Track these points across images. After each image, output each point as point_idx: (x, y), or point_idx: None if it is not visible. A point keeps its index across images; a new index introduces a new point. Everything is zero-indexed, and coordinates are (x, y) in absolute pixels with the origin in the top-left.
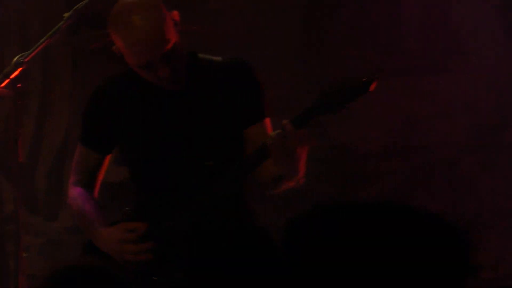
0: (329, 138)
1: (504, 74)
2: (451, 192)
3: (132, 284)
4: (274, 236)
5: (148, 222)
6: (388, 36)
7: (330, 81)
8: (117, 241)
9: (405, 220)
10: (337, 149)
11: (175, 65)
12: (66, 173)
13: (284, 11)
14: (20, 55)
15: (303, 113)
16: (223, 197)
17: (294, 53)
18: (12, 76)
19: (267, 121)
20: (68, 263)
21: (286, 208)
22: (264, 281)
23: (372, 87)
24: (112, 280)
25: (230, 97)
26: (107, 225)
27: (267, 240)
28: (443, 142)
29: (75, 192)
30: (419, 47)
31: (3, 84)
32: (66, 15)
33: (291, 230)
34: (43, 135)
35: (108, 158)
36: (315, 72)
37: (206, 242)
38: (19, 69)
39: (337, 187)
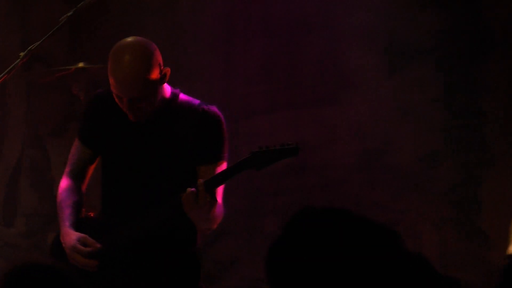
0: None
1: (385, 106)
2: (341, 205)
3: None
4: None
5: (101, 236)
6: (289, 74)
7: (261, 145)
8: (71, 246)
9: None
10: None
11: (140, 108)
12: (21, 186)
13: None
14: None
15: (218, 176)
16: (161, 224)
17: (217, 85)
18: None
19: (223, 164)
20: (21, 263)
21: None
22: None
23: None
24: (60, 278)
25: (191, 136)
26: (73, 227)
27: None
28: (335, 163)
29: (64, 183)
30: (315, 83)
31: None
32: (21, 54)
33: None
34: (2, 154)
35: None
36: (235, 104)
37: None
38: None
39: (248, 200)
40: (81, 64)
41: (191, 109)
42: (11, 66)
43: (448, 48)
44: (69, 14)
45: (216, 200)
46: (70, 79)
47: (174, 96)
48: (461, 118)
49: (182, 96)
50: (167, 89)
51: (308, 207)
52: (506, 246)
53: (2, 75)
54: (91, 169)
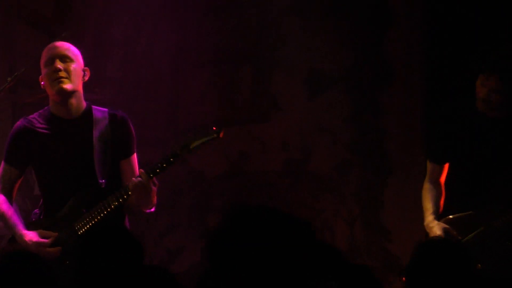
0: (189, 165)
1: (306, 124)
2: (271, 204)
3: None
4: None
5: (52, 226)
6: (228, 98)
7: (184, 131)
8: (34, 243)
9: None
10: (194, 173)
11: (67, 70)
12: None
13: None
14: None
15: (156, 165)
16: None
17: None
18: None
19: (134, 155)
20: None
21: (156, 219)
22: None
23: (222, 134)
24: (32, 260)
25: (116, 140)
26: (26, 228)
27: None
28: (265, 170)
29: (1, 198)
30: (250, 105)
31: None
32: (9, 79)
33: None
34: None
35: (22, 175)
36: (184, 120)
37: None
38: None
39: (193, 199)
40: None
41: (107, 116)
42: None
43: (357, 78)
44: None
45: (156, 184)
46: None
47: (89, 106)
48: (366, 134)
49: (94, 106)
50: (84, 101)
51: (239, 206)
52: (403, 238)
53: None
54: (18, 184)
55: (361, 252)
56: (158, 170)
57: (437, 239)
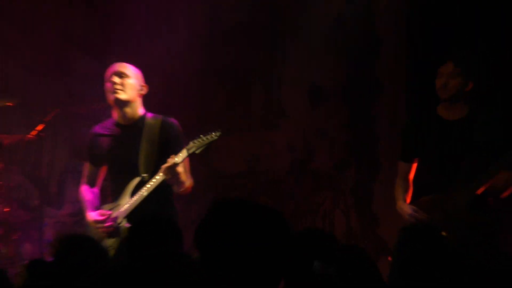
0: (213, 166)
1: (309, 129)
2: (278, 198)
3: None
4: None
5: (112, 209)
6: (244, 108)
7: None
8: (93, 220)
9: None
10: (217, 171)
11: (123, 84)
12: (67, 183)
13: None
14: None
15: (198, 143)
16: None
17: (195, 117)
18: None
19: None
20: (67, 234)
21: (190, 205)
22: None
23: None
24: (91, 241)
25: (164, 141)
26: (93, 210)
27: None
28: (275, 168)
29: (81, 187)
30: (262, 115)
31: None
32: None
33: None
34: (54, 162)
35: (103, 169)
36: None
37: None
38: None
39: (217, 192)
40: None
41: (159, 122)
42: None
43: (352, 91)
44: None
45: (183, 170)
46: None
47: (144, 114)
48: (359, 138)
49: (150, 114)
50: (139, 110)
51: (222, 198)
52: (390, 224)
53: (54, 109)
54: (100, 177)
55: (356, 236)
56: (178, 159)
57: (416, 224)
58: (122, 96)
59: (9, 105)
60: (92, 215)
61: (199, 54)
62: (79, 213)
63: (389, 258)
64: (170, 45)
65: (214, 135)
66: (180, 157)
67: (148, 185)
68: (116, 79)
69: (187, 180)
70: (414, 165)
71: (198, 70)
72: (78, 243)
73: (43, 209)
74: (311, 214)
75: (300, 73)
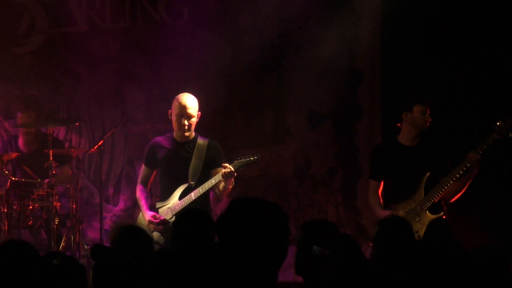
0: (260, 167)
1: (308, 145)
2: (285, 196)
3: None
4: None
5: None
6: (259, 128)
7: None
8: (149, 220)
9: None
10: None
11: (190, 124)
12: (122, 184)
13: None
14: None
15: (241, 161)
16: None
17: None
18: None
19: (220, 168)
20: (121, 224)
21: (216, 203)
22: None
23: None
24: (140, 230)
25: (209, 158)
26: (148, 210)
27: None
28: (281, 174)
29: (138, 188)
30: (272, 133)
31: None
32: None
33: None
34: (112, 168)
35: (155, 172)
36: (229, 146)
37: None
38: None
39: (237, 192)
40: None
41: (204, 142)
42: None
43: (339, 115)
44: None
45: (233, 174)
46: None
47: (196, 135)
48: (345, 150)
49: (200, 136)
50: (194, 133)
51: (239, 197)
52: (369, 216)
53: (111, 129)
54: (151, 178)
55: (343, 225)
56: (236, 168)
57: (391, 216)
58: (188, 133)
59: (77, 125)
60: (148, 215)
61: (223, 86)
62: (130, 209)
63: (370, 244)
64: (202, 78)
65: (253, 158)
66: (233, 167)
67: (199, 190)
68: (186, 122)
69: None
70: (382, 182)
71: (223, 99)
72: (130, 232)
73: (102, 205)
74: (311, 208)
75: (301, 102)
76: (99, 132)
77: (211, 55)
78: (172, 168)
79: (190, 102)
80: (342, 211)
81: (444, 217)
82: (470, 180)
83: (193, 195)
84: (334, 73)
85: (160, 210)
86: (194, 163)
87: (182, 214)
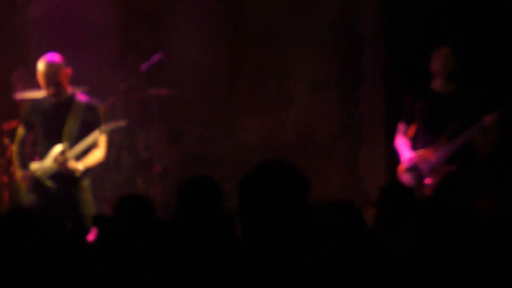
0: (235, 138)
1: (310, 111)
2: (288, 162)
3: None
4: None
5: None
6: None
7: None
8: (20, 177)
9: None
10: (240, 144)
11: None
12: (122, 154)
13: None
14: None
15: (108, 127)
16: None
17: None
18: None
19: (97, 132)
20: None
21: (219, 166)
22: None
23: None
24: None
25: (87, 119)
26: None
27: None
28: (285, 141)
29: (13, 148)
30: (276, 100)
31: None
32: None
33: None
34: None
35: (32, 132)
36: (233, 111)
37: None
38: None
39: (239, 157)
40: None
41: (84, 102)
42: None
43: (342, 81)
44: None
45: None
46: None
47: (74, 94)
48: (348, 117)
49: (78, 94)
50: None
51: (266, 160)
52: (371, 182)
53: (111, 96)
54: (29, 138)
55: (346, 192)
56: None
57: (393, 183)
58: (55, 92)
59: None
60: (21, 173)
61: (226, 54)
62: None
63: (373, 211)
64: (206, 47)
65: (119, 124)
66: (102, 131)
67: (73, 151)
68: (47, 82)
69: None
70: (412, 126)
71: (226, 66)
72: (133, 202)
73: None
74: (313, 176)
75: (304, 69)
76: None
77: (214, 22)
78: (47, 129)
79: (45, 64)
80: (344, 178)
81: (462, 169)
82: (494, 141)
83: (68, 156)
84: (337, 40)
85: (33, 169)
86: (70, 123)
87: (189, 182)
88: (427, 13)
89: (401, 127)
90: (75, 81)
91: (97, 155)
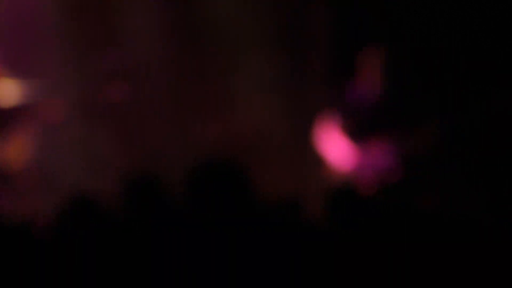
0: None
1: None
2: None
3: None
4: None
5: None
6: None
7: None
8: None
9: None
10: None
11: None
12: None
13: None
14: None
15: None
16: None
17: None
18: None
19: None
20: None
21: None
22: None
23: None
24: None
25: None
26: None
27: None
28: (243, 141)
29: None
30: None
31: None
32: None
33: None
34: None
35: None
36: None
37: None
38: None
39: None
40: None
41: None
42: None
43: (291, 81)
44: None
45: None
46: None
47: None
48: (298, 117)
49: None
50: None
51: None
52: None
53: None
54: None
55: (298, 190)
56: None
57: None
58: None
59: None
60: None
61: (176, 53)
62: None
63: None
64: (154, 45)
65: None
66: None
67: None
68: None
69: None
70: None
71: (174, 65)
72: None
73: None
74: (263, 175)
75: (253, 68)
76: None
77: (164, 20)
78: None
79: None
80: (293, 176)
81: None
82: None
83: None
84: (286, 39)
85: None
86: None
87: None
88: (375, 14)
89: (338, 123)
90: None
91: None
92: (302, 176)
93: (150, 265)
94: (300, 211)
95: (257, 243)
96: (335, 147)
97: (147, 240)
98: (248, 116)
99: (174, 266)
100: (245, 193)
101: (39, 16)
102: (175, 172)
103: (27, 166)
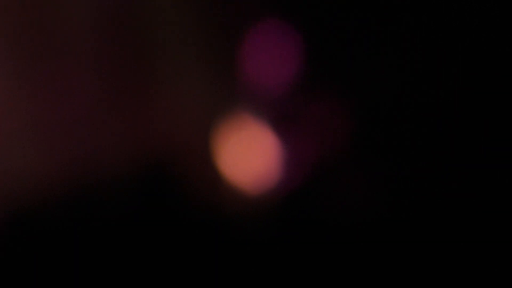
0: None
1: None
2: None
3: None
4: None
5: None
6: None
7: None
8: None
9: None
10: None
11: None
12: None
13: None
14: None
15: None
16: None
17: None
18: None
19: None
20: None
21: None
22: None
23: None
24: None
25: None
26: None
27: None
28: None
29: None
30: None
31: None
32: None
33: None
34: None
35: None
36: None
37: None
38: None
39: None
40: None
41: None
42: None
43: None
44: None
45: None
46: None
47: None
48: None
49: None
50: None
51: None
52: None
53: None
54: None
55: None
56: None
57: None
58: None
59: None
60: None
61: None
62: None
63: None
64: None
65: None
66: None
67: None
68: None
69: None
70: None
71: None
72: None
73: None
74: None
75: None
76: None
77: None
78: None
79: None
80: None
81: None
82: None
83: None
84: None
85: None
86: None
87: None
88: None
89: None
90: None
91: None
92: (222, 178)
93: (78, 271)
94: (218, 214)
95: (177, 246)
96: (257, 141)
97: (72, 246)
98: (169, 115)
99: (103, 272)
100: (169, 197)
101: None
102: (98, 176)
103: None
